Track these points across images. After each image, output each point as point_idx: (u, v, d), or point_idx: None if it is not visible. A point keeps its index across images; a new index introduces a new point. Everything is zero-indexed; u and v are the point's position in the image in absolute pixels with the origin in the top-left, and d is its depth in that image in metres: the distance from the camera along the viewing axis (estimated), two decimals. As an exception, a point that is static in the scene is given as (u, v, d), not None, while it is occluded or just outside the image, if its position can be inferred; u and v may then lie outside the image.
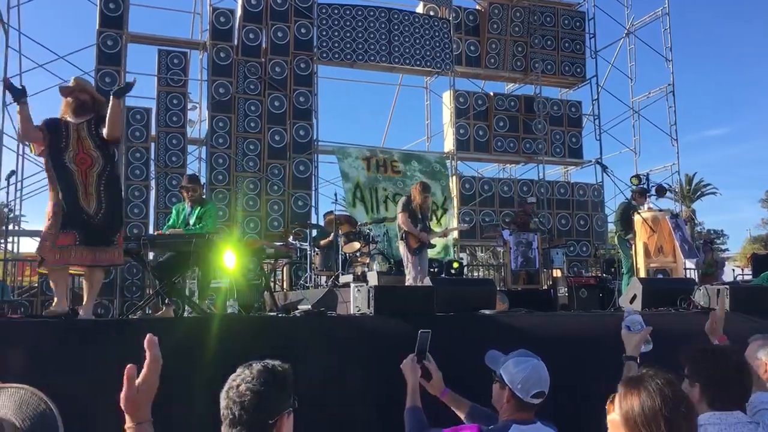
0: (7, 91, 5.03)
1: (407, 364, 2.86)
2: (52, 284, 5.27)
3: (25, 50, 11.90)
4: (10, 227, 11.64)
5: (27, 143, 5.22)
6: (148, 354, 1.69)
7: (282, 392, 1.89)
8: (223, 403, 1.88)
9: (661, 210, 10.09)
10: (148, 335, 1.70)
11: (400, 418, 2.88)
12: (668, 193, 13.59)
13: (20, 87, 4.97)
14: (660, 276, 9.00)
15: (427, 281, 6.53)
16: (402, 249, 8.19)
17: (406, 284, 7.78)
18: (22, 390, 1.42)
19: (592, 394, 4.88)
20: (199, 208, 6.79)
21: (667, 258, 9.15)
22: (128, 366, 1.56)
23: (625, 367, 2.70)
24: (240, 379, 1.88)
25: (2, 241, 11.73)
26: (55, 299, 5.10)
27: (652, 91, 16.21)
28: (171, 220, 6.98)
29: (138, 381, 1.66)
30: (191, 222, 6.72)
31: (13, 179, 8.51)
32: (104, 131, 5.07)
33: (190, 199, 6.87)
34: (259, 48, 12.74)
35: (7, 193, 8.36)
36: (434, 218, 13.47)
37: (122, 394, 1.63)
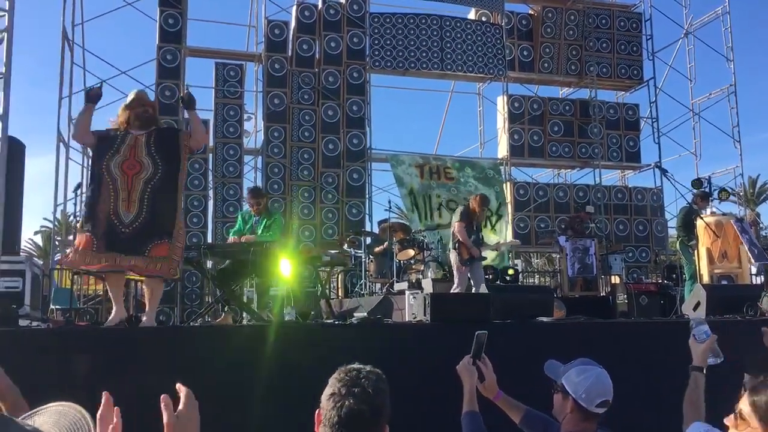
0: (86, 94, 5.35)
1: (463, 366, 2.83)
2: (109, 292, 5.40)
3: (89, 66, 12.34)
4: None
5: (81, 144, 5.49)
6: (181, 393, 1.66)
7: (388, 399, 1.81)
8: (327, 404, 1.78)
9: (724, 214, 9.79)
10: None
11: (457, 425, 2.86)
12: (731, 197, 13.19)
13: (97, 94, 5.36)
14: (724, 282, 8.72)
15: (483, 288, 6.49)
16: (453, 257, 8.16)
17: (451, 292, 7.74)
18: (61, 406, 1.53)
19: (656, 404, 4.77)
20: (266, 219, 6.93)
21: (731, 263, 8.85)
22: (162, 396, 1.55)
23: (691, 377, 2.62)
24: (354, 390, 1.77)
25: (68, 250, 12.15)
26: (114, 309, 5.20)
27: (713, 92, 15.77)
28: (237, 226, 7.14)
29: (179, 410, 1.62)
30: (259, 232, 6.86)
31: (78, 191, 8.79)
32: (191, 143, 5.31)
33: (256, 211, 7.03)
34: (312, 58, 12.91)
35: (75, 204, 8.66)
36: (488, 224, 13.37)
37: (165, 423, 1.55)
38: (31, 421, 1.51)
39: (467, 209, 8.34)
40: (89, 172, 5.17)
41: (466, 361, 2.83)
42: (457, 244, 8.05)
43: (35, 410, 1.54)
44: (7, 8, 6.78)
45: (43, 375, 4.18)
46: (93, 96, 5.35)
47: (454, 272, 8.10)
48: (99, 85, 5.40)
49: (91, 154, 5.34)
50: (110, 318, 5.21)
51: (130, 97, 5.36)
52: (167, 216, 5.06)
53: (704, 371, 2.62)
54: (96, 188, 5.02)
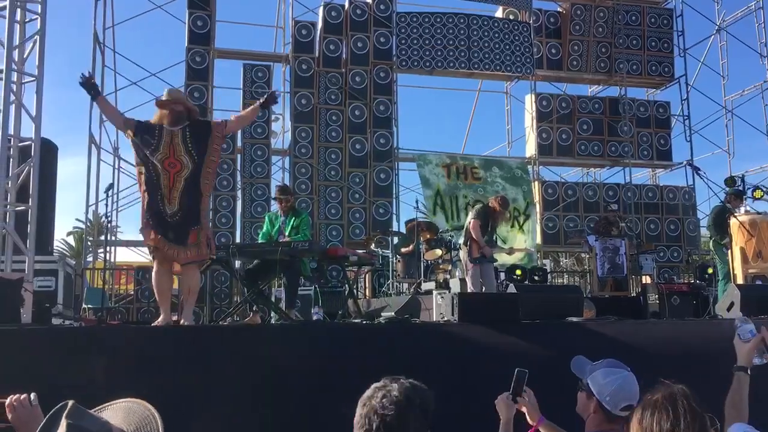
0: (86, 87, 5.38)
1: (501, 402, 2.75)
2: (156, 294, 5.47)
3: (119, 68, 12.53)
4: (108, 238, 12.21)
5: (120, 130, 5.60)
6: None
7: (425, 414, 1.82)
8: (361, 410, 1.81)
9: (758, 213, 9.59)
10: None
11: (484, 422, 2.83)
12: (766, 195, 12.91)
13: (92, 87, 5.40)
14: (759, 282, 8.54)
15: (512, 288, 6.43)
16: (462, 255, 8.11)
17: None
18: (128, 402, 1.55)
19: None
20: (293, 218, 6.92)
21: (766, 263, 8.67)
22: None
23: (734, 377, 2.55)
24: (386, 391, 1.80)
25: (100, 250, 12.34)
26: (161, 314, 5.29)
27: (747, 88, 15.48)
28: (265, 228, 7.14)
29: None
30: (287, 232, 6.86)
31: (110, 192, 8.92)
32: (226, 130, 5.61)
33: (283, 210, 7.01)
34: (339, 59, 12.94)
35: (106, 205, 8.81)
36: (516, 224, 13.28)
37: None
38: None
39: (485, 208, 8.28)
40: (143, 167, 5.26)
41: (504, 397, 2.76)
42: (468, 242, 8.00)
43: (102, 406, 1.57)
44: (39, 11, 6.90)
45: (75, 373, 4.24)
46: (90, 88, 5.39)
47: (466, 271, 8.04)
48: (87, 75, 5.40)
49: (132, 145, 5.39)
50: (157, 322, 5.28)
51: (165, 96, 5.44)
52: (195, 206, 5.29)
53: (749, 371, 2.54)
54: (149, 183, 5.23)
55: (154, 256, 5.32)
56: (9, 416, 1.66)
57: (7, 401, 1.69)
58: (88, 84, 5.38)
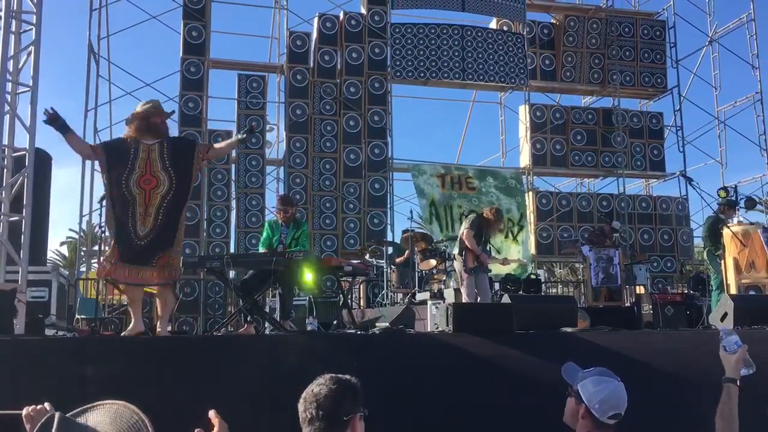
0: (51, 124, 5.09)
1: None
2: (127, 302, 5.45)
3: (114, 79, 12.53)
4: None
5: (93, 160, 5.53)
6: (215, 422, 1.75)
7: (354, 396, 2.02)
8: (301, 408, 2.01)
9: (751, 223, 9.63)
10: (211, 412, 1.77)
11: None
12: (758, 206, 12.98)
13: (61, 122, 5.10)
14: (752, 292, 8.57)
15: (506, 298, 6.44)
16: (458, 266, 8.10)
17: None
18: (116, 405, 1.52)
19: (684, 415, 4.69)
20: (294, 229, 6.89)
21: (759, 273, 8.68)
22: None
23: (724, 389, 2.57)
24: (314, 384, 2.04)
25: (94, 261, 12.31)
26: (132, 321, 5.26)
27: (739, 99, 15.57)
28: (264, 234, 7.11)
29: None
30: (287, 242, 6.83)
31: (103, 202, 8.89)
32: (210, 154, 5.54)
33: (284, 220, 6.98)
34: (334, 69, 12.98)
35: (100, 215, 8.75)
36: (510, 235, 13.30)
37: None
38: (83, 418, 1.50)
39: (480, 218, 8.29)
40: (110, 187, 5.15)
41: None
42: (463, 252, 7.99)
43: (88, 406, 1.54)
44: (33, 22, 6.90)
45: (68, 383, 4.22)
46: (57, 125, 5.09)
47: (461, 282, 8.05)
48: (50, 111, 5.08)
49: (101, 167, 5.25)
50: (128, 330, 5.26)
51: (147, 105, 5.31)
52: (172, 228, 5.19)
53: (738, 383, 2.56)
54: (120, 206, 5.11)
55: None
56: (27, 426, 1.63)
57: (24, 412, 1.66)
58: (54, 120, 5.04)
